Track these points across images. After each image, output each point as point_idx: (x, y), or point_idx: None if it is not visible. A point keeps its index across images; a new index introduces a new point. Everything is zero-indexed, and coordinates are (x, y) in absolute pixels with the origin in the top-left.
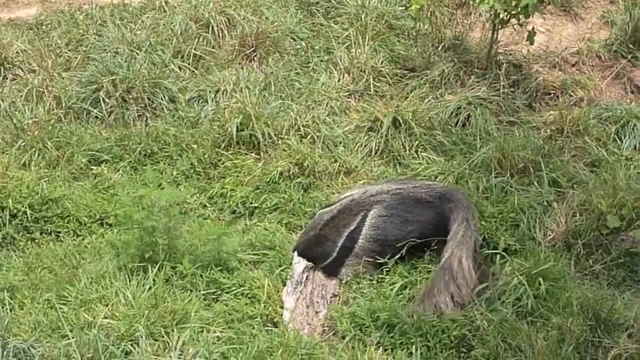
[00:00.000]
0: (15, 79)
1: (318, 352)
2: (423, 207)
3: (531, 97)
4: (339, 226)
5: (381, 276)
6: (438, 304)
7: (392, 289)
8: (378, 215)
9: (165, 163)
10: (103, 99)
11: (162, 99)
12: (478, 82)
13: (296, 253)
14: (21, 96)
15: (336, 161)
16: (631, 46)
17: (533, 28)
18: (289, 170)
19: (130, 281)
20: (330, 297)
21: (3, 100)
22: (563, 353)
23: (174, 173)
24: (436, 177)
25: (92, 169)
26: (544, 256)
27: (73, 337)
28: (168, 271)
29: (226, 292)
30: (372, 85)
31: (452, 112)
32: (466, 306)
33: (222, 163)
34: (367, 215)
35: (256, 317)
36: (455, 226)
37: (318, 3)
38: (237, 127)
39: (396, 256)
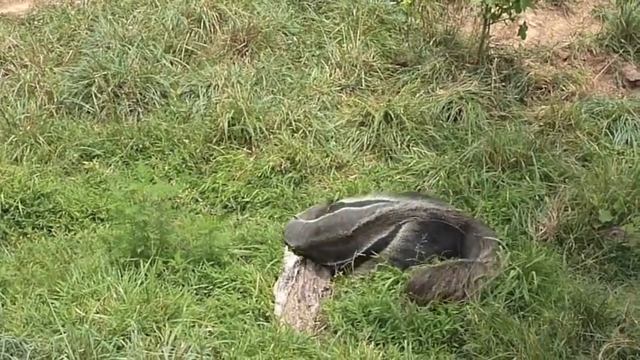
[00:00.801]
0: (7, 75)
1: (310, 347)
2: (449, 231)
3: (523, 91)
4: (371, 233)
5: (373, 271)
6: (424, 281)
7: (384, 284)
8: (411, 229)
9: (157, 158)
10: (94, 94)
11: (154, 94)
12: (469, 76)
13: (304, 244)
14: (13, 91)
15: (327, 156)
16: (622, 40)
17: (524, 22)
18: (281, 165)
19: (121, 276)
20: (322, 291)
21: None
22: (555, 348)
23: (166, 168)
24: (428, 172)
25: (84, 164)
26: (536, 251)
27: (65, 332)
28: (160, 265)
29: (218, 287)
30: (363, 80)
31: (443, 107)
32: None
33: (214, 158)
34: (401, 227)
35: (248, 312)
36: (487, 252)
37: None
38: (228, 121)
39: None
